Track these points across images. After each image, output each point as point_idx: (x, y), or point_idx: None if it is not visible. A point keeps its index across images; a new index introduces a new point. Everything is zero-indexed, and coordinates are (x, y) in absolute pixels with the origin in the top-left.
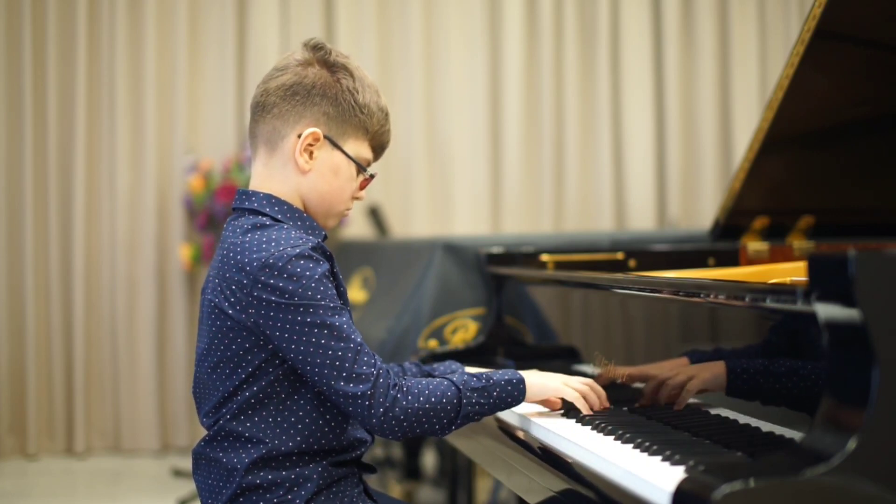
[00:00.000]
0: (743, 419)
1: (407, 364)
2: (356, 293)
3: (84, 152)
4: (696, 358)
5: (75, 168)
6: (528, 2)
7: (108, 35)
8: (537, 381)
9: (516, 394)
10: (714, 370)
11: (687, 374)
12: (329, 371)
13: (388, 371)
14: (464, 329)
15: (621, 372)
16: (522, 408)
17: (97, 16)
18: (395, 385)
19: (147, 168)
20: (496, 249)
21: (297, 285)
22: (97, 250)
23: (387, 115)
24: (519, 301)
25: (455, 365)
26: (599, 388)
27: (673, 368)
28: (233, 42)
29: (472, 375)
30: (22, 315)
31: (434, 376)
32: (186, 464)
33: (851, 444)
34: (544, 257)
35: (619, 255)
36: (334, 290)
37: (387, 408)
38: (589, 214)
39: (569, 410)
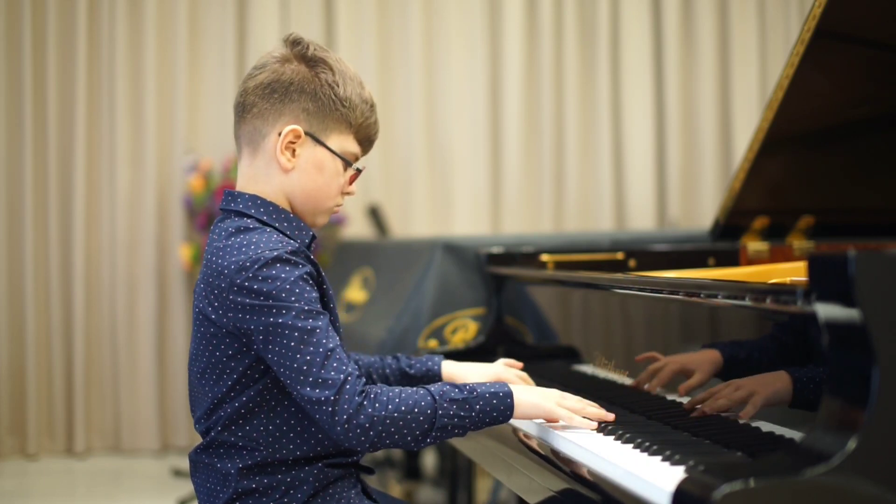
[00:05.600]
0: (743, 419)
1: (388, 359)
2: (356, 293)
3: (84, 152)
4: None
5: (75, 168)
6: (528, 2)
7: (108, 35)
8: (529, 399)
9: (503, 408)
10: (777, 385)
11: (748, 392)
12: (297, 375)
13: (357, 378)
14: (464, 329)
15: (655, 383)
16: None
17: (97, 16)
18: (363, 392)
19: (147, 168)
20: (496, 249)
21: (272, 287)
22: (97, 250)
23: (372, 106)
24: (519, 301)
25: (436, 358)
26: (594, 408)
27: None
28: (233, 42)
29: (454, 386)
30: (22, 315)
31: (410, 374)
32: (186, 464)
33: (851, 444)
34: (544, 257)
35: (619, 255)
36: (314, 294)
37: (350, 415)
38: (589, 214)
39: None
